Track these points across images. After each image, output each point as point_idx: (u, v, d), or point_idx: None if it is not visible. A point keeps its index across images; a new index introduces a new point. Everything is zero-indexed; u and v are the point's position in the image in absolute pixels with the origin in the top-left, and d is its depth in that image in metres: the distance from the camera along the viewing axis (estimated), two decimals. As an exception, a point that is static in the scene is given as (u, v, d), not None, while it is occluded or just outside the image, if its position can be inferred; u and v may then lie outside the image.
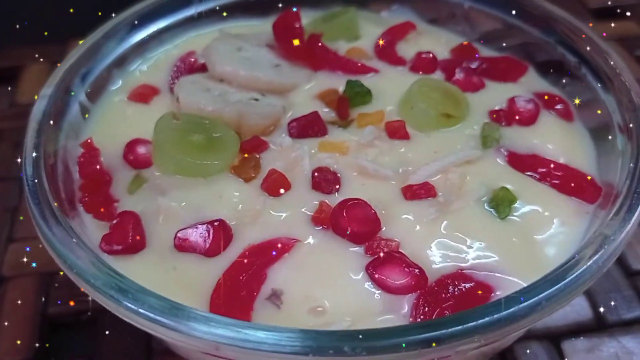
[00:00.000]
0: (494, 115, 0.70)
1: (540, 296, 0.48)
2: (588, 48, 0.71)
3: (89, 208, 0.62)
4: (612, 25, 1.16)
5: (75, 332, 0.70)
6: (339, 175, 0.63)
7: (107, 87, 0.75)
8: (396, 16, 0.88)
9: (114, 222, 0.59)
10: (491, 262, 0.57)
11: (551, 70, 0.77)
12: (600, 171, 0.65)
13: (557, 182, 0.64)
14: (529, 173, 0.65)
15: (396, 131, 0.67)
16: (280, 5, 0.85)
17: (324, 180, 0.62)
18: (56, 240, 0.52)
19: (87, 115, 0.71)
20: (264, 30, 0.80)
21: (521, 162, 0.66)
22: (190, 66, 0.77)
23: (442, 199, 0.61)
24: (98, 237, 0.59)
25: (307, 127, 0.68)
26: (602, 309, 0.73)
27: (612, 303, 0.74)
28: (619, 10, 1.19)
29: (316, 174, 0.62)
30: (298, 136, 0.67)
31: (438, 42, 0.84)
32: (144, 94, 0.74)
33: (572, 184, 0.63)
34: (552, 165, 0.65)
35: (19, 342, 0.68)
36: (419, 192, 0.61)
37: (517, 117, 0.70)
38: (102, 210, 0.62)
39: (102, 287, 0.49)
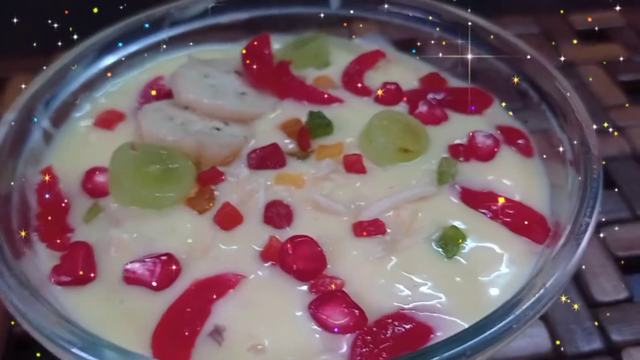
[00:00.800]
0: (453, 150, 0.71)
1: (472, 341, 0.49)
2: (548, 84, 0.72)
3: (43, 237, 0.63)
4: (597, 47, 1.16)
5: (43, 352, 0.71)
6: (291, 208, 0.64)
7: (72, 112, 0.76)
8: (368, 42, 0.88)
9: (64, 253, 0.60)
10: (434, 302, 0.57)
11: (515, 104, 0.77)
12: (553, 209, 0.66)
13: (508, 220, 0.64)
14: (481, 210, 0.65)
15: (353, 165, 0.68)
16: (251, 29, 0.86)
17: (276, 215, 0.63)
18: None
19: (50, 141, 0.72)
20: (234, 55, 0.81)
21: (474, 198, 0.66)
22: (157, 92, 0.78)
23: (390, 237, 0.61)
24: (49, 267, 0.60)
25: (266, 159, 0.68)
26: (561, 341, 0.73)
27: (572, 335, 0.74)
28: (604, 33, 1.19)
29: (269, 209, 0.63)
30: (256, 167, 0.68)
31: (407, 71, 0.84)
32: (108, 120, 0.75)
33: (524, 223, 0.64)
34: (504, 203, 0.65)
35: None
36: (368, 228, 0.62)
37: (475, 152, 0.71)
38: (57, 241, 0.63)
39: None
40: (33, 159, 0.69)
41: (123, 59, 0.81)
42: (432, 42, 0.85)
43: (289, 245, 0.58)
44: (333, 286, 0.57)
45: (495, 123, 0.76)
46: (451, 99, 0.78)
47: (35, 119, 0.70)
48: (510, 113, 0.78)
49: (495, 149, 0.71)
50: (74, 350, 0.48)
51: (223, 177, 0.67)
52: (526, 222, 0.64)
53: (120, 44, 0.80)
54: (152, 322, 0.56)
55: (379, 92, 0.78)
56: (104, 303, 0.58)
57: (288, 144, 0.72)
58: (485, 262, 0.61)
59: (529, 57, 0.75)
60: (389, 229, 0.62)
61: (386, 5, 0.86)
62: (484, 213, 0.65)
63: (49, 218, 0.65)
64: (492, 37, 0.79)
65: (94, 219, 0.65)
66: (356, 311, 0.55)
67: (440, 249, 0.61)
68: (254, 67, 0.78)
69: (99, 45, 0.79)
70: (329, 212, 0.64)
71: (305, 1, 0.87)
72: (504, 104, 0.79)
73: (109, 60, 0.80)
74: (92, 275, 0.60)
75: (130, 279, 0.58)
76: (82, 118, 0.76)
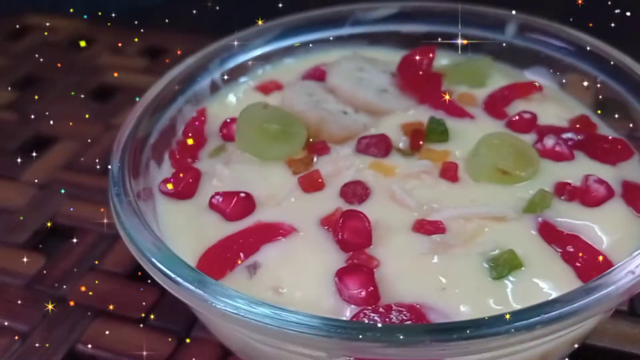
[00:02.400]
0: (559, 187, 0.67)
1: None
2: None
3: (172, 157, 0.77)
4: None
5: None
6: (369, 191, 0.68)
7: (243, 75, 0.89)
8: (533, 74, 0.87)
9: (177, 172, 0.73)
10: (453, 311, 0.57)
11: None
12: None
13: (579, 265, 0.60)
14: (555, 246, 0.62)
15: (446, 171, 0.69)
16: (426, 42, 0.91)
17: (352, 191, 0.67)
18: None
19: (214, 92, 0.86)
20: (398, 60, 0.87)
21: (554, 235, 0.63)
22: (316, 74, 0.88)
23: (441, 239, 0.62)
24: (164, 180, 0.73)
25: (371, 146, 0.73)
26: None
27: None
28: None
29: (349, 185, 0.68)
30: (361, 151, 0.73)
31: (562, 109, 0.81)
32: (267, 87, 0.87)
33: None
34: (586, 248, 0.61)
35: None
36: (426, 227, 0.63)
37: (582, 195, 0.66)
38: (181, 163, 0.76)
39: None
40: (194, 100, 0.83)
41: (299, 44, 0.92)
42: (598, 85, 0.81)
43: (342, 215, 0.63)
44: (368, 263, 0.60)
45: (624, 177, 0.70)
46: (586, 141, 0.74)
47: (209, 69, 0.84)
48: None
49: (605, 198, 0.66)
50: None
51: (328, 151, 0.73)
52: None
53: (302, 31, 0.92)
54: (212, 243, 0.65)
55: (512, 118, 0.77)
56: (187, 217, 0.69)
57: (402, 142, 0.75)
58: (529, 296, 0.58)
59: None
60: (448, 233, 0.63)
61: (562, 43, 0.84)
62: (556, 249, 0.61)
63: (186, 145, 0.78)
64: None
65: (217, 156, 0.77)
66: (371, 288, 0.57)
67: (487, 267, 0.60)
68: (408, 69, 0.83)
69: (284, 27, 0.91)
70: (400, 204, 0.66)
71: (482, 26, 0.89)
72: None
73: (290, 41, 0.92)
74: (190, 194, 0.71)
75: (213, 205, 0.68)
76: (248, 81, 0.89)
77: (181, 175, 0.72)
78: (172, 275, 0.56)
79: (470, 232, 0.63)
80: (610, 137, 0.75)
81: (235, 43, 0.87)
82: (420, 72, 0.83)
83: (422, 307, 0.57)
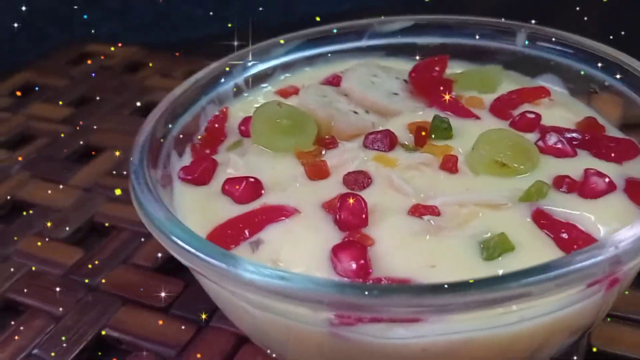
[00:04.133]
0: (557, 180, 0.69)
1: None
2: None
3: (194, 149, 0.82)
4: None
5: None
6: (370, 180, 0.71)
7: (265, 81, 0.95)
8: (543, 81, 0.90)
9: (196, 160, 0.78)
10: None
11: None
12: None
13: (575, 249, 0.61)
14: (547, 232, 0.63)
15: (446, 162, 0.72)
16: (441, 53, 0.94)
17: (354, 179, 0.71)
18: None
19: (237, 95, 0.92)
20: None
21: (548, 222, 0.64)
22: (332, 80, 0.92)
23: (435, 222, 0.64)
24: (185, 170, 0.79)
25: (378, 141, 0.77)
26: None
27: None
28: None
29: (352, 174, 0.72)
30: (367, 146, 0.77)
31: (570, 113, 0.83)
32: (286, 91, 0.92)
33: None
34: (580, 234, 0.62)
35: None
36: (421, 210, 0.66)
37: (581, 188, 0.68)
38: (201, 154, 0.81)
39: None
40: (218, 100, 0.89)
41: (323, 53, 0.97)
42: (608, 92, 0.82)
43: (341, 197, 0.66)
44: (362, 241, 0.63)
45: (628, 174, 0.71)
46: (592, 141, 0.75)
47: (233, 74, 0.90)
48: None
49: (606, 191, 0.67)
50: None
51: (336, 146, 0.77)
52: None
53: (321, 42, 0.97)
54: (221, 221, 0.69)
55: (516, 118, 0.79)
56: (201, 200, 0.74)
57: (407, 139, 0.78)
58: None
59: None
60: (441, 216, 0.65)
61: (571, 50, 0.87)
62: (549, 236, 0.63)
63: (207, 139, 0.84)
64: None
65: (234, 149, 0.82)
66: (362, 261, 0.60)
67: (479, 249, 0.62)
68: (419, 73, 0.87)
69: (305, 39, 0.97)
70: (398, 191, 0.69)
71: (493, 37, 0.93)
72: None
73: (311, 52, 0.97)
74: (205, 181, 0.76)
75: (225, 189, 0.73)
76: (270, 86, 0.94)
77: (199, 163, 0.77)
78: (180, 242, 0.60)
79: (464, 216, 0.65)
80: (617, 137, 0.76)
81: (259, 51, 0.93)
82: (432, 77, 0.87)
83: (411, 282, 0.59)
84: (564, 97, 0.87)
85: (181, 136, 0.82)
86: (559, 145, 0.74)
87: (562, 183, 0.69)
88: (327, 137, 0.79)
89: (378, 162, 0.74)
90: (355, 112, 0.83)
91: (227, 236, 0.67)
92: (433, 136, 0.77)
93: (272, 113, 0.79)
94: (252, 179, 0.72)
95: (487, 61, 0.94)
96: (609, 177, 0.68)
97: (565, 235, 0.63)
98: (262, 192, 0.72)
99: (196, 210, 0.72)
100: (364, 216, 0.65)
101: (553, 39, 0.88)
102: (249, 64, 0.93)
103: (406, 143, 0.78)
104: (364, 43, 0.98)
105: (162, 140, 0.78)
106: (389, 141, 0.76)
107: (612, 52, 0.82)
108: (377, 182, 0.71)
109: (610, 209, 0.66)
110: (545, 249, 0.62)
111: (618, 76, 0.81)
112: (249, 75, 0.93)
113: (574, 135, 0.76)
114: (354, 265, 0.60)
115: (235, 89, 0.91)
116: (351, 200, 0.66)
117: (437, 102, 0.84)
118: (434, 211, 0.66)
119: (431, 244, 0.63)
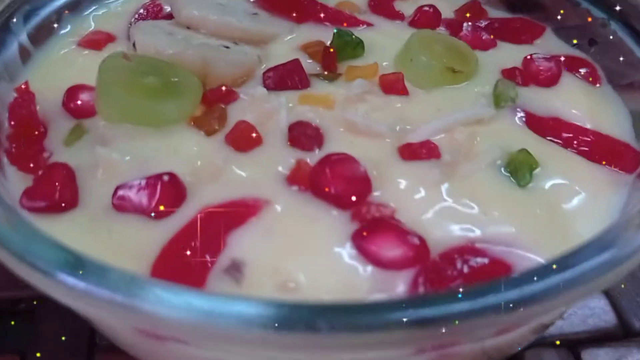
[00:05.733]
0: (508, 74, 0.60)
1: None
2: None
3: (14, 160, 0.50)
4: None
5: (7, 324, 0.58)
6: (321, 131, 0.52)
7: (54, 31, 0.64)
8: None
9: (39, 173, 0.47)
10: (508, 235, 0.45)
11: (572, 32, 0.66)
12: (638, 138, 0.55)
13: (585, 148, 0.53)
14: (551, 138, 0.54)
15: (392, 85, 0.56)
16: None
17: (304, 135, 0.51)
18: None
19: (27, 59, 0.59)
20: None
21: (542, 124, 0.55)
22: (155, 12, 0.66)
23: (448, 158, 0.50)
24: (20, 192, 0.47)
25: (286, 77, 0.57)
26: (627, 315, 0.62)
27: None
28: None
29: (294, 129, 0.51)
30: (275, 87, 0.56)
31: (442, 1, 0.73)
32: (96, 40, 0.63)
33: (605, 151, 0.52)
34: (579, 130, 0.54)
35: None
36: (419, 151, 0.50)
37: (535, 77, 0.60)
38: (30, 164, 0.50)
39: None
40: (7, 75, 0.56)
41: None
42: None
43: (324, 165, 0.46)
44: (383, 213, 0.45)
45: (550, 52, 0.65)
46: (497, 27, 0.67)
47: (12, 30, 0.57)
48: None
49: (559, 73, 0.60)
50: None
51: (236, 96, 0.55)
52: (608, 150, 0.52)
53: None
54: (149, 256, 0.43)
55: (414, 16, 0.67)
56: (86, 234, 0.45)
57: (311, 65, 0.60)
58: (564, 193, 0.49)
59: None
60: (443, 152, 0.51)
61: None
62: (554, 141, 0.54)
63: (22, 140, 0.52)
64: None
65: (77, 141, 0.52)
66: (416, 239, 0.43)
67: (509, 175, 0.50)
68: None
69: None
70: (368, 135, 0.52)
71: None
72: (557, 35, 0.68)
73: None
74: (72, 201, 0.47)
75: (123, 205, 0.46)
76: (65, 37, 0.63)
77: (46, 178, 0.47)
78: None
79: (465, 144, 0.52)
80: (513, 17, 0.69)
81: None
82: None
83: (476, 244, 0.44)
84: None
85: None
86: (484, 37, 0.64)
87: (514, 76, 0.60)
88: (214, 88, 0.55)
89: (311, 105, 0.54)
90: (227, 47, 0.60)
91: (186, 273, 0.42)
92: (340, 56, 0.60)
93: (125, 72, 0.52)
94: (167, 177, 0.46)
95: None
96: (553, 56, 0.61)
97: (566, 134, 0.54)
98: (185, 191, 0.47)
99: (94, 252, 0.43)
100: (365, 180, 0.47)
101: None
102: (26, 7, 0.60)
103: (317, 71, 0.59)
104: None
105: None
106: (302, 75, 0.57)
107: None
108: (330, 131, 0.52)
109: (571, 91, 0.60)
110: (560, 154, 0.53)
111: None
112: (31, 28, 0.60)
113: (479, 24, 0.67)
114: (407, 250, 0.42)
115: (21, 52, 0.59)
116: (341, 165, 0.46)
117: (311, 15, 0.66)
118: (431, 148, 0.50)
119: (459, 189, 0.48)
